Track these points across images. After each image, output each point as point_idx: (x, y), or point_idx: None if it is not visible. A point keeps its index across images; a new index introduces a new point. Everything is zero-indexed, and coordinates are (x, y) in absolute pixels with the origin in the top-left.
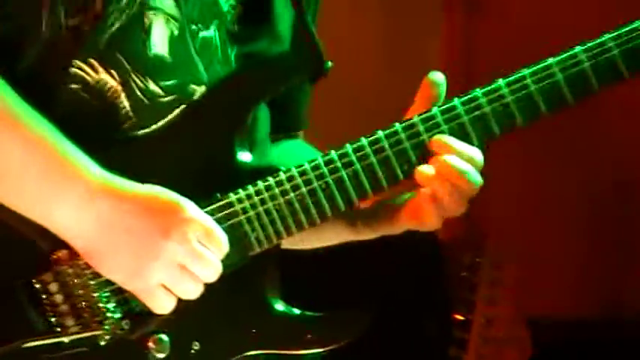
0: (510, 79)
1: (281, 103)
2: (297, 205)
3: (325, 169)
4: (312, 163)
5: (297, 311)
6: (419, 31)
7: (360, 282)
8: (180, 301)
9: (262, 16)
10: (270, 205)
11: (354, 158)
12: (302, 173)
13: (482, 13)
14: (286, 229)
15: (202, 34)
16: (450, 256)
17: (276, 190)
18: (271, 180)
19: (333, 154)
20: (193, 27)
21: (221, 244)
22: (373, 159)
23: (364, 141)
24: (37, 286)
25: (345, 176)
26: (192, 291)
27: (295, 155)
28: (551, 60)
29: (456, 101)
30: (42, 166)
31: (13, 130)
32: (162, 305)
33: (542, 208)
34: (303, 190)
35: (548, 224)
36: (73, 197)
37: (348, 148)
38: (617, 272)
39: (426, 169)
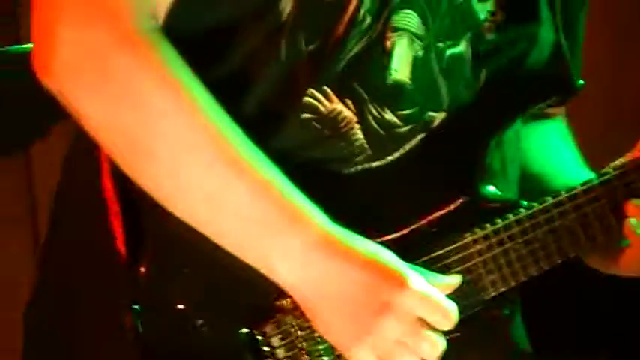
0: None
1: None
2: (536, 245)
3: (568, 206)
4: (555, 199)
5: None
6: None
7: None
8: None
9: (526, 16)
10: (508, 245)
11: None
12: (544, 211)
13: None
14: (524, 269)
15: (451, 51)
16: None
17: (516, 230)
18: (511, 218)
19: (579, 188)
20: (440, 45)
21: (450, 318)
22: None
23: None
24: (259, 337)
25: (591, 215)
26: None
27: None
28: None
29: None
30: (266, 215)
31: (241, 174)
32: None
33: None
34: (544, 228)
35: None
36: (293, 250)
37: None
38: None
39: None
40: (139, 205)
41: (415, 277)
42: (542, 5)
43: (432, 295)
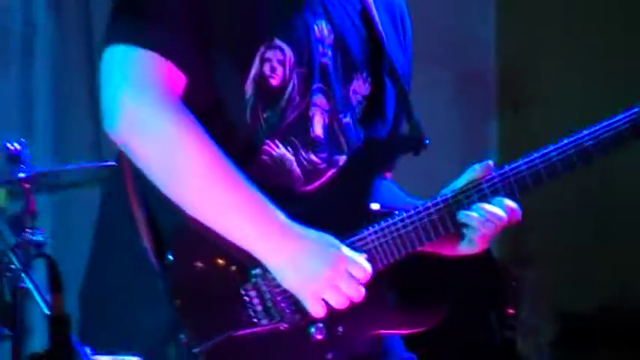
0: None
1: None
2: (404, 237)
3: (424, 213)
4: (413, 211)
5: (406, 301)
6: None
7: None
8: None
9: (378, 109)
10: (389, 237)
11: (442, 206)
12: (408, 217)
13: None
14: (398, 251)
15: (344, 120)
16: (504, 268)
17: (392, 228)
18: (390, 220)
19: (429, 203)
20: (340, 115)
21: (365, 272)
22: (453, 208)
23: (439, 199)
24: (242, 292)
25: (438, 219)
26: (342, 304)
27: (391, 194)
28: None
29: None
30: (253, 213)
31: (238, 192)
32: (320, 311)
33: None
34: (409, 227)
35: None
36: (272, 237)
37: (440, 197)
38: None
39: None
40: (159, 213)
41: (345, 247)
42: (387, 100)
43: (357, 259)
